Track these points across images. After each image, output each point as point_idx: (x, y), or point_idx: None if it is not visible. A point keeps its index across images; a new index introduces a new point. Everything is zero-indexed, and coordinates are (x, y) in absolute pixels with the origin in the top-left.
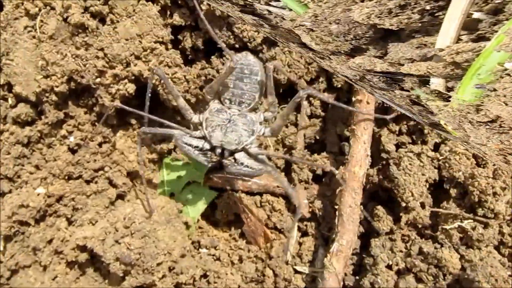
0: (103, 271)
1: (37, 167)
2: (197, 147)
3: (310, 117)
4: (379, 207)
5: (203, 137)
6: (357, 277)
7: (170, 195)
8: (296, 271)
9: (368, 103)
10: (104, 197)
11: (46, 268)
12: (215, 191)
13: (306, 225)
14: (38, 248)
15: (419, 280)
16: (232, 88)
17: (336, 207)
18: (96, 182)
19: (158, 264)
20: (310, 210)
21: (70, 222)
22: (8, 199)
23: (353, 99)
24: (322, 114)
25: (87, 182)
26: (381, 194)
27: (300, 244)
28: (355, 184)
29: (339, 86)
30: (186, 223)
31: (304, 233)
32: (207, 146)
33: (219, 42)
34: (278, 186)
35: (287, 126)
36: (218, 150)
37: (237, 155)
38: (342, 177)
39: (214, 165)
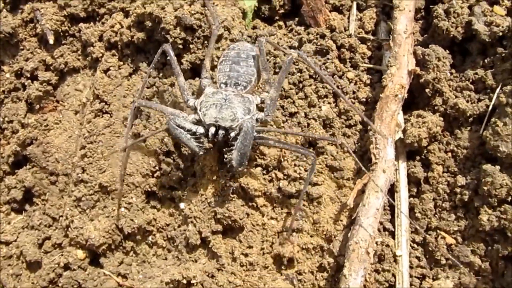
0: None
1: None
2: (190, 130)
3: None
4: None
5: (198, 122)
6: (426, 35)
7: None
8: (362, 41)
9: None
10: None
11: (97, 64)
12: None
13: None
14: (89, 43)
15: None
16: (228, 72)
17: None
18: None
19: None
20: None
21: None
22: None
23: None
24: None
25: None
26: None
27: (360, 19)
28: None
29: None
30: (242, 11)
31: (364, 8)
32: (201, 130)
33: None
34: None
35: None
36: (212, 130)
37: (232, 134)
38: None
39: (206, 153)
